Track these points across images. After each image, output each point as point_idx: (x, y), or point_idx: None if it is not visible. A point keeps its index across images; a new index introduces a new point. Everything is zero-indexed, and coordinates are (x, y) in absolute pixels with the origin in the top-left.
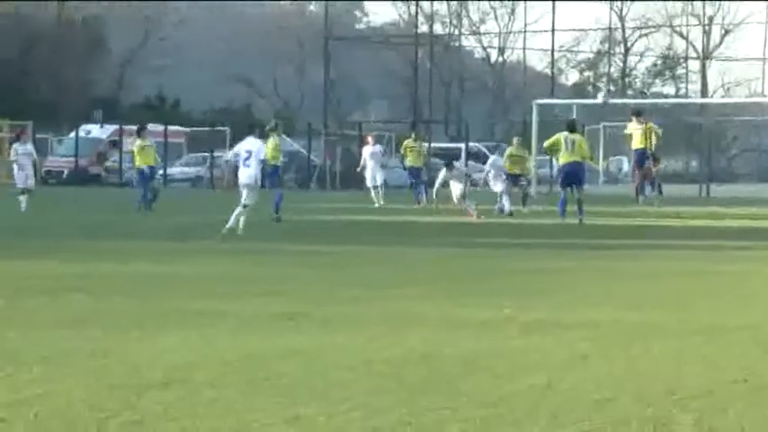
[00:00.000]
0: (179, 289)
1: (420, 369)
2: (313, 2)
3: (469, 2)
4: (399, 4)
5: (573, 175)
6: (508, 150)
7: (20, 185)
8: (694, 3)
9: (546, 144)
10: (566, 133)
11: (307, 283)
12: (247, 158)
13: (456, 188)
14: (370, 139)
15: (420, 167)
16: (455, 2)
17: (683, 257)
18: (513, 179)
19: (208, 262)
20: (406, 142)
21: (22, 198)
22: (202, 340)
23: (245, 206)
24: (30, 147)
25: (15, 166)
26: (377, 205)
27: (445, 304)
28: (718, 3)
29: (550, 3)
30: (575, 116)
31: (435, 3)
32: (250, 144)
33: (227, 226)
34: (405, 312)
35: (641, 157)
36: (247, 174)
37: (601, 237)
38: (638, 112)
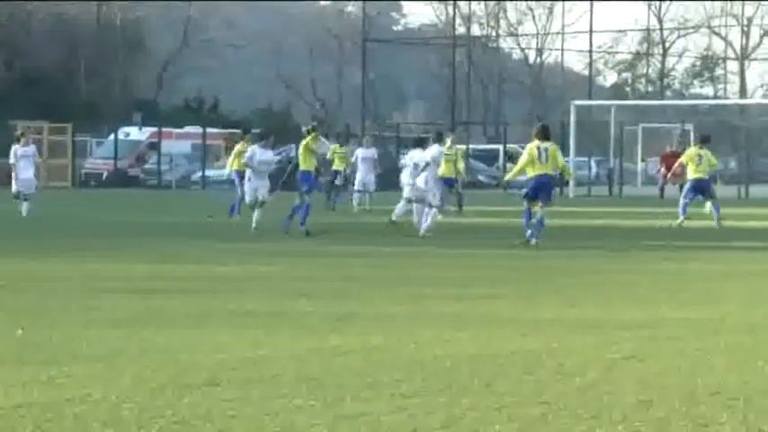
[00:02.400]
0: (233, 290)
1: (467, 369)
2: (351, 3)
3: (507, 3)
4: (437, 5)
5: (542, 189)
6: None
7: (15, 189)
8: (733, 3)
9: (519, 166)
10: (537, 142)
11: (355, 283)
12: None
13: None
14: (366, 140)
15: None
16: (492, 3)
17: (728, 259)
18: (447, 182)
19: (260, 263)
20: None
21: (22, 203)
22: (252, 340)
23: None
24: (31, 149)
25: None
26: (356, 210)
27: (493, 305)
28: (757, 3)
29: (588, 3)
30: (612, 117)
31: (473, 3)
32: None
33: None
34: (453, 312)
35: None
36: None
37: (648, 238)
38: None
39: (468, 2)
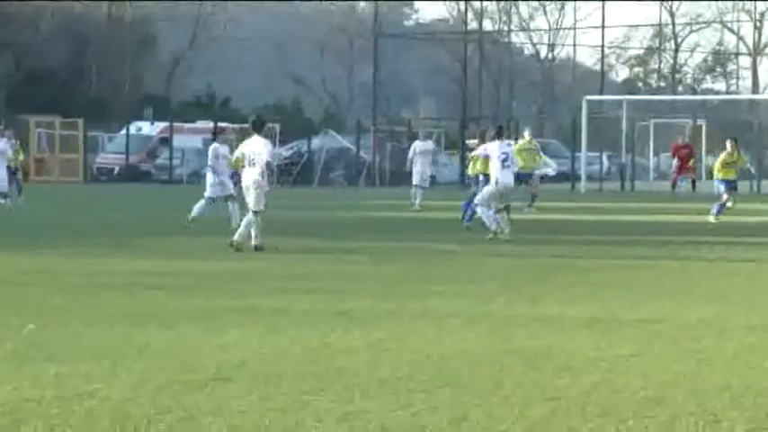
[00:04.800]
0: (237, 287)
1: (472, 366)
2: (362, 1)
3: None
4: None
5: None
6: (519, 144)
7: None
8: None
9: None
10: None
11: (360, 280)
12: None
13: None
14: (420, 133)
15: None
16: None
17: (737, 255)
18: (524, 177)
19: (263, 260)
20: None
21: (2, 201)
22: (258, 337)
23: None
24: (1, 142)
25: None
26: (415, 207)
27: (500, 302)
28: None
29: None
30: (624, 113)
31: None
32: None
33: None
34: (458, 309)
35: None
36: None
37: (655, 234)
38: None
39: None
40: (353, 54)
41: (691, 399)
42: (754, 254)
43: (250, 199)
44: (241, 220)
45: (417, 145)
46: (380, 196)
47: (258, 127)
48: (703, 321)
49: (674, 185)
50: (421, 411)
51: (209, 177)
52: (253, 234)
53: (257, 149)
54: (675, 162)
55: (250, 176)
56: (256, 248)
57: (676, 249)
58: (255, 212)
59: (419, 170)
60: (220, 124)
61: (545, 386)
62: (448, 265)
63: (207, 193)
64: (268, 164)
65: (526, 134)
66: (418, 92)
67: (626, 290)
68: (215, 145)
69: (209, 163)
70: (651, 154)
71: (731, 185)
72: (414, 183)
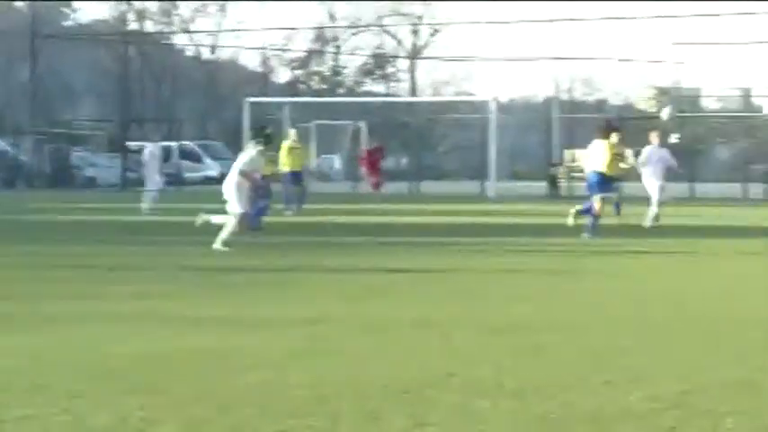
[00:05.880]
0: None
1: (138, 368)
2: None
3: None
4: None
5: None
6: (286, 144)
7: None
8: (403, 2)
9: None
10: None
11: (24, 282)
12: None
13: None
14: (156, 137)
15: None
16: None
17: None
18: (293, 177)
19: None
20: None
21: None
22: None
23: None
24: None
25: None
26: (145, 210)
27: (170, 303)
28: (425, 2)
29: (260, 2)
30: (287, 115)
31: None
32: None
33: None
34: (129, 311)
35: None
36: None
37: (314, 234)
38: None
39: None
40: (10, 53)
41: (355, 397)
42: (424, 251)
43: None
44: None
45: (153, 148)
46: (53, 199)
47: None
48: (374, 318)
49: (377, 186)
50: (82, 415)
51: None
52: None
53: None
54: (365, 168)
55: None
56: None
57: (352, 248)
58: None
59: (157, 175)
60: None
61: (209, 386)
62: (125, 267)
63: None
64: None
65: (292, 134)
66: (80, 92)
67: (293, 290)
68: None
69: None
70: (314, 156)
71: None
72: (154, 187)
